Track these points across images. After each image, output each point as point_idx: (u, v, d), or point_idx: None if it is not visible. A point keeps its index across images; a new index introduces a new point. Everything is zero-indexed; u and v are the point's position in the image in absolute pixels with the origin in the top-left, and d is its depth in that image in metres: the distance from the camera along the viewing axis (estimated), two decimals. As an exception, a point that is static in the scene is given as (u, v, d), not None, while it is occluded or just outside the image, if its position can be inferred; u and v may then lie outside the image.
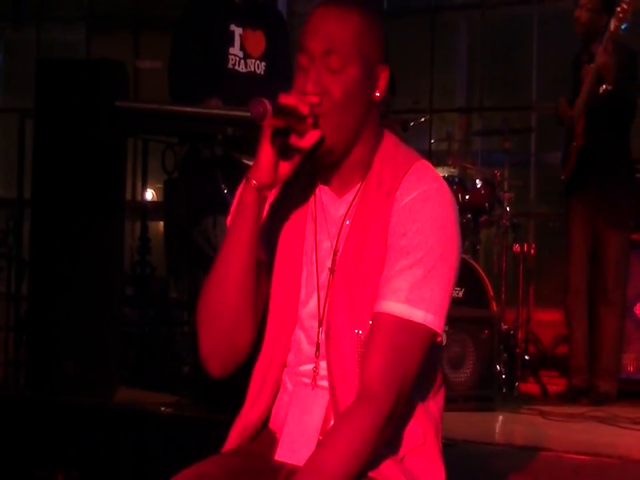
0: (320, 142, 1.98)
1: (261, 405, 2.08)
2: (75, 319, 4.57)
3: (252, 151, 4.14)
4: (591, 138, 5.48)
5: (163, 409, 4.36)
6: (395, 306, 1.95)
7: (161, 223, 6.58)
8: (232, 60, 4.68)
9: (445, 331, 4.91)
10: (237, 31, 4.72)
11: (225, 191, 4.29)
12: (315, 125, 1.97)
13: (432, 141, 8.17)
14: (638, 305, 5.85)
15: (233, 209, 2.07)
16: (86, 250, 4.61)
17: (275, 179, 1.99)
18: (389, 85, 6.98)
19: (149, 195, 8.39)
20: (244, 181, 2.00)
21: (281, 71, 4.75)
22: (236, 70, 4.69)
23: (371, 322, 1.97)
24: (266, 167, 1.97)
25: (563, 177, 5.68)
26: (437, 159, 7.39)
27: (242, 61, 4.71)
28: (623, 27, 5.25)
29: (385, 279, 1.98)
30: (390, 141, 2.10)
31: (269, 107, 1.89)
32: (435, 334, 1.97)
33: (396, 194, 2.01)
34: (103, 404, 4.44)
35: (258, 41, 4.78)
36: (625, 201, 5.54)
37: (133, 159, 6.64)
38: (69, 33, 10.16)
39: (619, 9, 5.20)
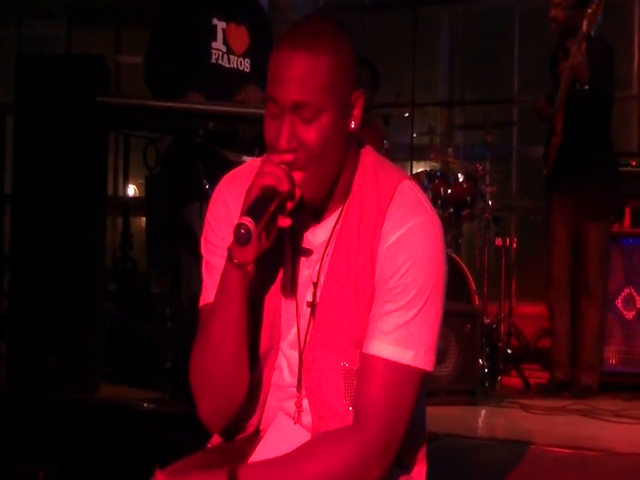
0: (300, 201, 1.91)
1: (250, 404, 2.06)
2: (56, 314, 4.56)
3: (234, 146, 4.12)
4: (571, 134, 5.50)
5: (145, 404, 4.35)
6: (386, 348, 1.91)
7: (143, 219, 6.57)
8: (215, 54, 4.65)
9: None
10: (220, 25, 4.69)
11: (207, 186, 4.27)
12: (293, 186, 1.89)
13: (414, 135, 8.17)
14: (619, 297, 5.87)
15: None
16: (67, 245, 4.60)
17: (258, 252, 1.89)
18: (372, 81, 7.00)
19: (131, 190, 8.39)
20: (226, 261, 1.91)
21: (265, 68, 4.71)
22: (219, 64, 4.66)
23: (360, 362, 1.93)
24: (249, 247, 1.87)
25: (544, 172, 5.70)
26: (418, 153, 7.43)
27: (225, 56, 4.67)
28: (595, 26, 5.27)
29: (374, 318, 1.93)
30: (368, 157, 2.02)
31: (251, 226, 1.80)
32: (426, 372, 1.94)
33: (382, 229, 1.95)
34: (84, 400, 4.42)
35: (242, 37, 4.74)
36: (606, 194, 5.56)
37: (115, 155, 6.64)
38: (50, 28, 10.12)
39: (589, 10, 5.22)
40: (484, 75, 8.95)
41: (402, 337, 1.91)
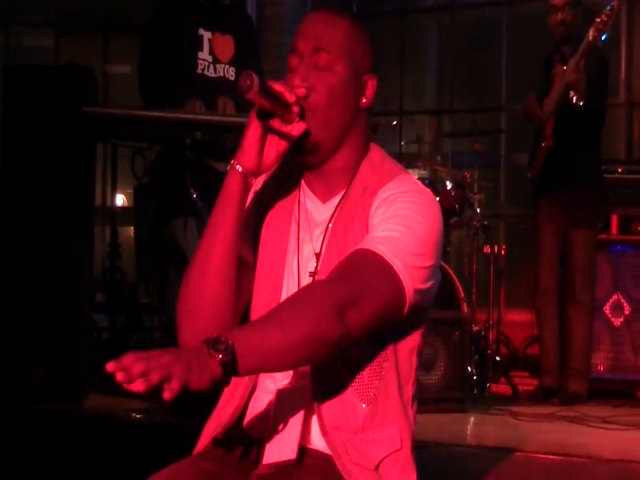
0: (305, 135, 1.99)
1: (234, 403, 2.07)
2: (43, 325, 4.54)
3: (221, 155, 4.14)
4: (560, 140, 5.50)
5: (133, 414, 4.34)
6: (361, 244, 1.96)
7: (132, 228, 6.56)
8: (201, 64, 4.67)
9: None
10: (206, 35, 4.71)
11: (194, 195, 4.28)
12: (301, 117, 1.98)
13: (402, 143, 8.18)
14: (607, 304, 5.88)
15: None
16: (55, 256, 4.58)
17: (259, 165, 1.99)
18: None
19: (120, 200, 8.37)
20: (230, 165, 2.00)
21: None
22: (205, 75, 4.68)
23: None
24: (251, 150, 1.97)
25: (529, 175, 5.71)
26: (407, 161, 7.41)
27: (211, 66, 4.70)
28: (602, 37, 5.19)
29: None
30: (377, 152, 2.12)
31: (256, 80, 1.88)
32: (396, 275, 1.93)
33: (378, 192, 2.02)
34: (73, 410, 4.41)
35: (227, 46, 4.77)
36: (593, 201, 5.56)
37: (103, 164, 6.62)
38: (38, 38, 10.10)
39: (598, 19, 5.12)
40: (472, 83, 8.96)
41: (377, 237, 1.95)
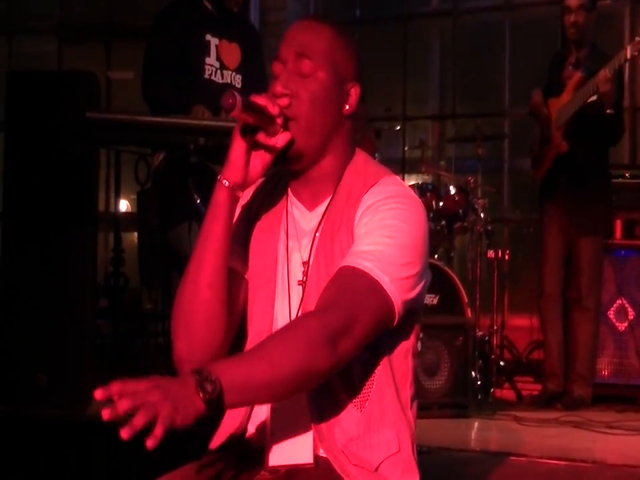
0: (289, 145, 2.01)
1: (242, 412, 2.07)
2: (47, 330, 4.54)
3: (224, 160, 4.13)
4: (571, 145, 5.48)
5: (137, 420, 4.33)
6: (346, 260, 1.97)
7: (135, 234, 6.56)
8: (208, 70, 4.67)
9: (420, 339, 4.95)
10: (213, 41, 4.71)
11: (198, 201, 4.28)
12: (285, 127, 1.99)
13: (405, 149, 8.18)
14: (612, 309, 5.87)
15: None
16: (58, 262, 4.59)
17: (246, 178, 2.01)
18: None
19: (124, 206, 8.38)
20: (217, 180, 2.01)
21: (256, 84, 4.72)
22: (212, 80, 4.68)
23: None
24: (237, 164, 1.99)
25: (534, 178, 5.71)
26: (410, 167, 7.43)
27: (218, 72, 4.70)
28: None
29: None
30: (361, 157, 2.14)
31: (238, 99, 1.90)
32: (383, 290, 1.94)
33: (362, 199, 2.03)
34: (76, 416, 4.40)
35: (234, 53, 4.77)
36: (599, 206, 5.56)
37: (107, 170, 6.62)
38: (41, 45, 10.12)
39: (638, 38, 5.13)
40: (475, 88, 8.96)
41: (363, 252, 1.96)
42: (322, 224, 2.07)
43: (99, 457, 4.20)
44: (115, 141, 4.83)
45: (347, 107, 2.09)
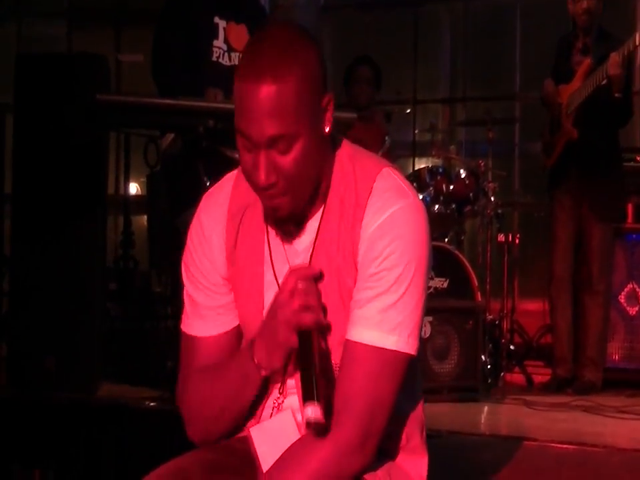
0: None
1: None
2: (56, 314, 4.55)
3: (235, 143, 4.12)
4: (583, 131, 5.46)
5: (146, 403, 4.34)
6: (367, 333, 1.89)
7: (145, 217, 6.56)
8: (216, 52, 4.66)
9: (429, 322, 4.94)
10: (221, 23, 4.70)
11: (208, 184, 4.27)
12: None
13: (416, 132, 8.15)
14: (622, 293, 5.85)
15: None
16: (68, 245, 4.59)
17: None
18: (374, 80, 7.07)
19: (134, 188, 8.38)
20: (251, 361, 1.95)
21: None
22: (220, 63, 4.67)
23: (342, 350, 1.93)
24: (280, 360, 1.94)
25: (545, 164, 5.69)
26: (420, 150, 7.40)
27: (226, 54, 4.69)
28: None
29: (356, 305, 1.91)
30: (344, 153, 1.99)
31: (319, 415, 1.80)
32: (410, 356, 1.92)
33: (362, 221, 1.92)
34: (85, 399, 4.41)
35: (241, 35, 4.75)
36: (610, 190, 5.53)
37: (116, 153, 6.62)
38: (50, 28, 10.11)
39: None
40: (485, 72, 8.93)
41: (383, 321, 1.89)
42: (316, 242, 1.96)
43: (109, 440, 4.21)
44: (125, 124, 4.83)
45: (327, 127, 1.92)
